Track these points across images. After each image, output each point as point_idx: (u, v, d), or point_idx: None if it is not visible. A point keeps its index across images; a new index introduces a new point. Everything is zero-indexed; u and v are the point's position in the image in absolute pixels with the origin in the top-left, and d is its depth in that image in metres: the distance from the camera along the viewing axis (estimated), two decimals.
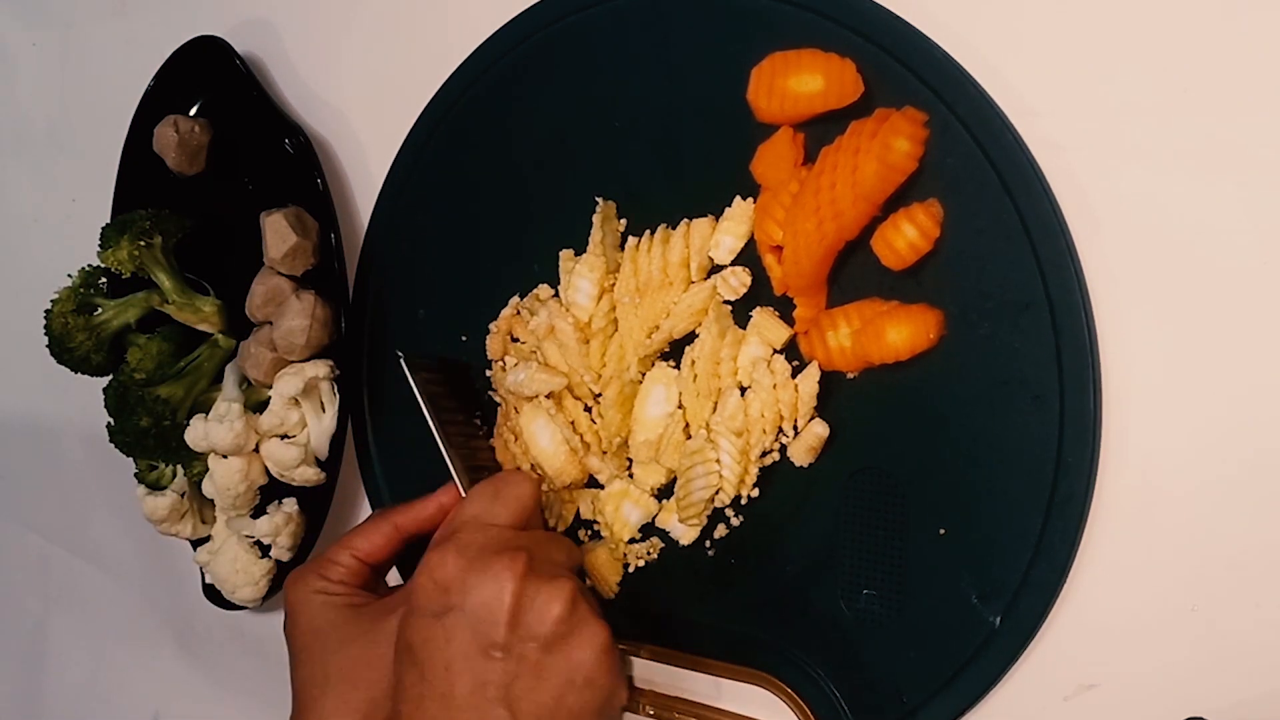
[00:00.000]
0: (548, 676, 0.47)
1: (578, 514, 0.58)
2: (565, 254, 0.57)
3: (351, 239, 0.67)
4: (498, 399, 0.60)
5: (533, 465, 0.57)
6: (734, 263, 0.53)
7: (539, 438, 0.56)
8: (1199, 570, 0.44)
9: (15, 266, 0.90)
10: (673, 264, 0.54)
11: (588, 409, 0.57)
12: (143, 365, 0.67)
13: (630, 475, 0.56)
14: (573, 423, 0.56)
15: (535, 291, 0.59)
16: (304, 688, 0.51)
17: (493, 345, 0.60)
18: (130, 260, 0.67)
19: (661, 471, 0.54)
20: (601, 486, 0.56)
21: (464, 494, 0.55)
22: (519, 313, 0.59)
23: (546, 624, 0.47)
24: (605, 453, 0.56)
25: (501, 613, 0.46)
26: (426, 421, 0.56)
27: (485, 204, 0.61)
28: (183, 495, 0.69)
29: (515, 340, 0.60)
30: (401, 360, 0.57)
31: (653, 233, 0.55)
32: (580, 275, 0.55)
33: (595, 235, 0.56)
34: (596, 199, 0.56)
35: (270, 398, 0.64)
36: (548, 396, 0.56)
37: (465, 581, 0.47)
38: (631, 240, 0.55)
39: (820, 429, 0.50)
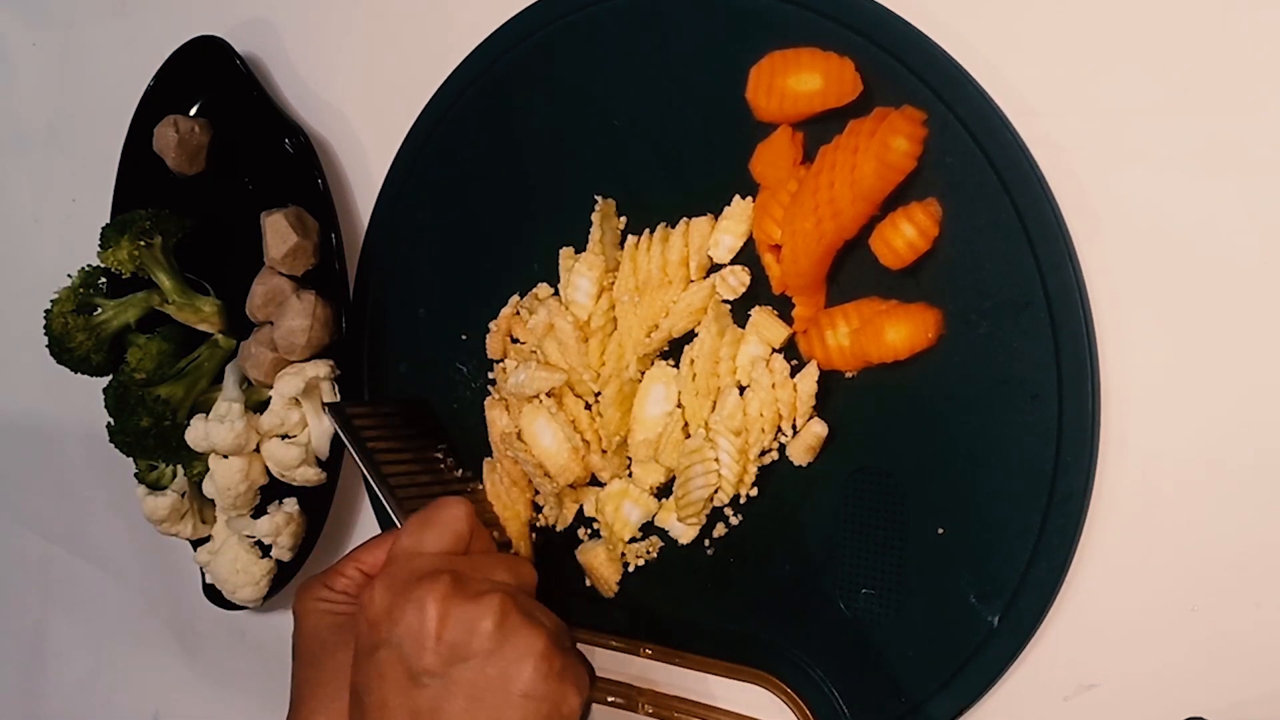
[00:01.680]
0: (482, 695, 0.45)
1: (579, 513, 0.58)
2: (565, 252, 0.57)
3: (351, 239, 0.67)
4: (501, 403, 0.60)
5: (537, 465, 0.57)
6: (733, 262, 0.53)
7: (541, 437, 0.56)
8: (1199, 570, 0.44)
9: (15, 266, 0.90)
10: (672, 263, 0.54)
11: (588, 407, 0.57)
12: (143, 365, 0.67)
13: (629, 474, 0.56)
14: (573, 421, 0.56)
15: (535, 290, 0.59)
16: (297, 689, 0.53)
17: (493, 345, 0.60)
18: (130, 260, 0.67)
19: (660, 470, 0.54)
20: (604, 485, 0.56)
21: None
22: (519, 312, 0.59)
23: (475, 642, 0.45)
24: (605, 451, 0.56)
25: (427, 638, 0.45)
26: (357, 463, 0.56)
27: (485, 203, 0.61)
28: (183, 495, 0.69)
29: (515, 341, 0.60)
30: (328, 411, 0.58)
31: (652, 231, 0.55)
32: (580, 274, 0.55)
33: (595, 234, 0.56)
34: (596, 197, 0.56)
35: (271, 398, 0.64)
36: (548, 395, 0.56)
37: (391, 614, 0.47)
38: (631, 239, 0.55)
39: (819, 428, 0.50)
